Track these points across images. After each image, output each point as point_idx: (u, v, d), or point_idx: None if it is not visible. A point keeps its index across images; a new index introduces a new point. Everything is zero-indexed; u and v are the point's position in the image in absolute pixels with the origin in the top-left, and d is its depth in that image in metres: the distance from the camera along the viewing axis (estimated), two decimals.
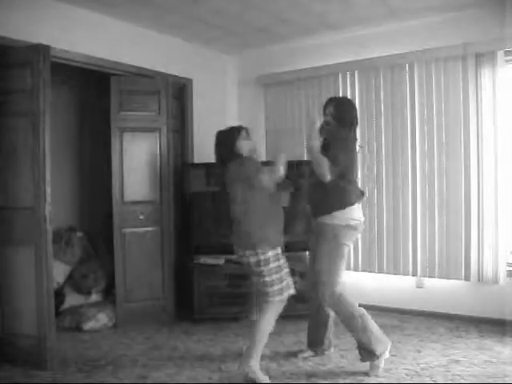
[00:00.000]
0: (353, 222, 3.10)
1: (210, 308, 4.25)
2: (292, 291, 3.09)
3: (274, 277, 3.00)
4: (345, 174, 3.06)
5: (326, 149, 3.05)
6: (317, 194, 3.18)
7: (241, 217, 3.06)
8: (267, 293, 3.01)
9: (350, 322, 3.08)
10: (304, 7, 3.98)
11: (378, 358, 3.06)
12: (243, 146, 3.15)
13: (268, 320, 3.05)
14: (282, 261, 3.06)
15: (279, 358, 3.41)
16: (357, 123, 3.31)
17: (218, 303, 4.25)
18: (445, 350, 3.52)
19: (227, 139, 3.17)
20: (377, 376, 3.04)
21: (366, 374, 3.08)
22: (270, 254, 2.98)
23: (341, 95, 4.37)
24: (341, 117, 3.19)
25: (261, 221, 3.01)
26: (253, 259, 2.99)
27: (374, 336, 3.05)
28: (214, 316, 4.16)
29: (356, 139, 3.34)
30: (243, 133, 3.21)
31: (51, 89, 3.31)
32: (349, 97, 4.61)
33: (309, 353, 3.43)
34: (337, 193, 3.07)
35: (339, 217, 3.07)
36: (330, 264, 3.07)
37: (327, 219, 3.09)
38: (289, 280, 3.10)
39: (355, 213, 3.13)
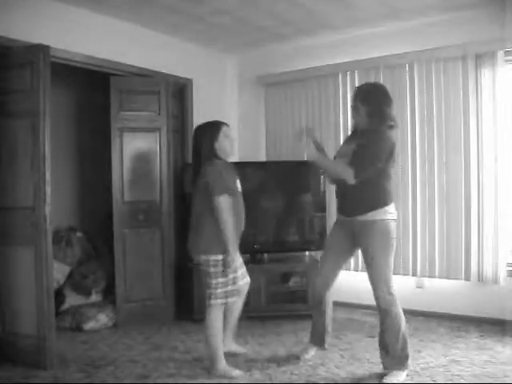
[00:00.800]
0: (396, 216, 3.06)
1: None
2: (236, 298, 3.13)
3: (220, 280, 3.02)
4: (385, 168, 2.99)
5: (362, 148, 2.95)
6: (355, 191, 2.97)
7: (195, 222, 3.11)
8: (210, 295, 3.06)
9: (396, 323, 2.97)
10: (304, 7, 3.98)
11: (405, 367, 2.99)
12: (223, 144, 3.09)
13: (212, 322, 3.08)
14: (233, 265, 3.03)
15: (279, 359, 3.41)
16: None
17: None
18: (445, 350, 3.52)
19: (206, 136, 3.08)
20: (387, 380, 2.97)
21: (382, 378, 2.98)
22: (216, 258, 3.00)
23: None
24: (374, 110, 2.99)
25: (213, 227, 2.98)
26: (202, 262, 3.06)
27: (408, 344, 3.01)
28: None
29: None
30: (224, 130, 3.12)
31: (51, 89, 3.31)
32: (349, 97, 4.61)
33: (312, 350, 3.39)
34: (382, 188, 3.00)
35: (390, 211, 2.99)
36: (387, 260, 2.97)
37: (377, 215, 2.94)
38: (236, 286, 3.09)
39: (394, 208, 3.08)
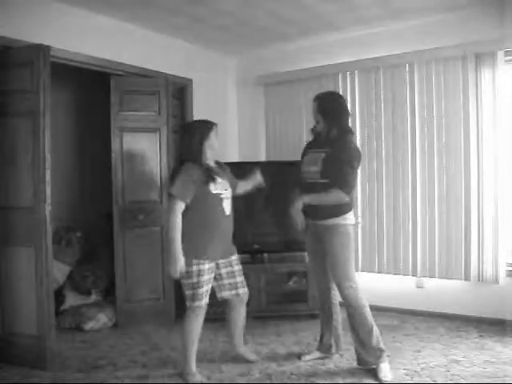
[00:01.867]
0: (354, 222, 3.22)
1: (209, 308, 4.24)
2: (198, 303, 3.04)
3: (189, 281, 3.01)
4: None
5: (330, 162, 3.07)
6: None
7: None
8: (185, 296, 3.08)
9: (365, 317, 3.08)
10: (304, 7, 3.98)
11: (384, 359, 3.07)
12: (211, 145, 3.10)
13: (187, 325, 3.09)
14: (206, 267, 3.01)
15: (279, 358, 3.41)
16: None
17: (217, 303, 4.25)
18: (445, 349, 3.52)
19: (196, 134, 3.06)
20: (386, 377, 3.01)
21: (377, 376, 3.02)
22: (194, 261, 2.99)
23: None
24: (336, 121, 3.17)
25: (189, 232, 2.98)
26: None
27: (380, 337, 3.13)
28: (214, 316, 4.14)
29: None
30: (215, 130, 3.14)
31: (51, 89, 3.31)
32: (349, 97, 4.63)
33: (315, 354, 3.40)
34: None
35: (349, 218, 3.15)
36: (347, 258, 3.12)
37: (339, 220, 3.11)
38: (199, 291, 3.01)
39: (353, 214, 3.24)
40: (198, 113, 4.92)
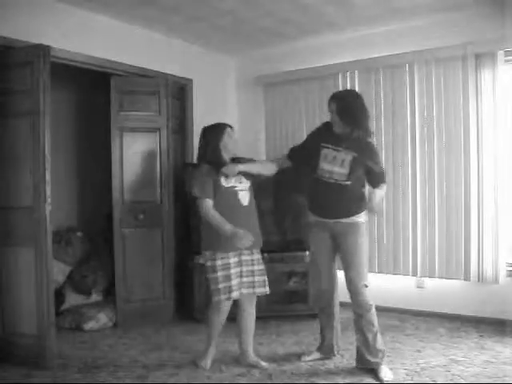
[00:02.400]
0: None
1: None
2: (234, 295, 3.11)
3: (211, 276, 3.12)
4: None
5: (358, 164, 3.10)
6: (343, 196, 3.12)
7: None
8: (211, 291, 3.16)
9: (374, 318, 3.09)
10: (304, 7, 3.98)
11: (383, 361, 3.08)
12: (227, 145, 3.20)
13: (209, 319, 3.28)
14: (219, 262, 3.09)
15: (279, 359, 3.41)
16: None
17: None
18: (445, 349, 3.52)
19: (210, 137, 3.22)
20: (386, 377, 3.01)
21: (377, 377, 3.02)
22: (208, 255, 3.14)
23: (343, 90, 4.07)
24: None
25: (209, 227, 3.09)
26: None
27: (381, 337, 3.14)
28: None
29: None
30: (227, 131, 3.23)
31: (51, 89, 3.31)
32: None
33: (315, 355, 3.38)
34: (362, 196, 3.20)
35: (364, 216, 3.17)
36: (363, 256, 3.14)
37: (359, 218, 3.13)
38: (227, 284, 3.09)
39: None
40: (198, 113, 4.93)
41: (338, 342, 3.41)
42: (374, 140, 3.31)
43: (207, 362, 3.26)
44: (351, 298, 3.14)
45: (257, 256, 3.23)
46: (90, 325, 4.13)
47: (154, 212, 4.35)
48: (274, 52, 5.10)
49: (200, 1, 3.80)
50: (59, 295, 4.33)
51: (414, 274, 4.36)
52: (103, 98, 4.35)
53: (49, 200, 3.25)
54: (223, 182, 3.12)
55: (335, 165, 3.10)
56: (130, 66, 4.29)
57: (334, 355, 3.39)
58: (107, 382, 3.08)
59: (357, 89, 4.60)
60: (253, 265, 3.20)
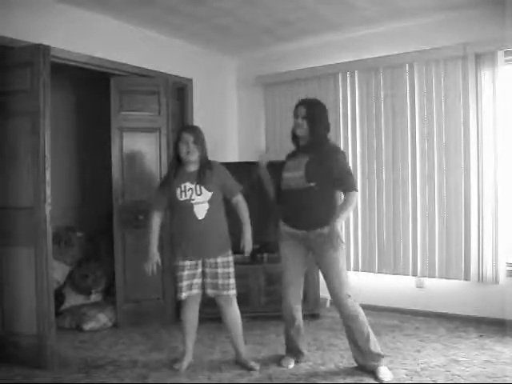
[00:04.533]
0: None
1: (209, 308, 4.24)
2: (183, 296, 3.20)
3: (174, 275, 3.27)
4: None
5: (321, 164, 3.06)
6: (306, 203, 3.05)
7: None
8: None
9: (363, 324, 3.04)
10: (304, 8, 3.98)
11: (382, 362, 3.06)
12: (180, 152, 3.20)
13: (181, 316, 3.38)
14: (187, 264, 3.18)
15: (279, 359, 3.40)
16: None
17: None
18: (445, 350, 3.52)
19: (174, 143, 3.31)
20: (385, 377, 3.00)
21: (376, 377, 3.02)
22: (177, 258, 3.22)
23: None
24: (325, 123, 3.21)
25: (172, 234, 3.29)
26: None
27: (376, 339, 3.10)
28: (214, 316, 4.15)
29: None
30: (181, 137, 3.18)
31: (51, 89, 3.31)
32: (349, 97, 4.66)
33: (292, 361, 3.31)
34: (336, 200, 3.14)
35: (340, 223, 3.04)
36: (343, 265, 3.08)
37: (335, 227, 2.95)
38: (180, 284, 3.18)
39: None
40: (198, 113, 4.93)
41: (304, 345, 3.38)
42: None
43: (181, 364, 3.25)
44: (337, 309, 3.12)
45: (221, 260, 3.17)
46: (89, 325, 4.13)
47: None
48: (274, 52, 5.11)
49: (200, 1, 3.80)
50: (59, 295, 4.33)
51: (414, 273, 4.36)
52: (103, 98, 4.35)
53: (49, 200, 3.25)
54: (178, 195, 3.13)
55: (294, 170, 3.12)
56: (130, 66, 4.29)
57: (304, 356, 3.35)
58: (107, 382, 3.08)
59: (357, 89, 4.63)
60: (216, 267, 3.17)
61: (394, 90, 4.42)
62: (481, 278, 4.06)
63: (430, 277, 4.30)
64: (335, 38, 4.71)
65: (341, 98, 4.71)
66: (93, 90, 4.92)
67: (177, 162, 3.22)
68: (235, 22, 4.28)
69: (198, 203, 3.12)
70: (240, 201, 3.27)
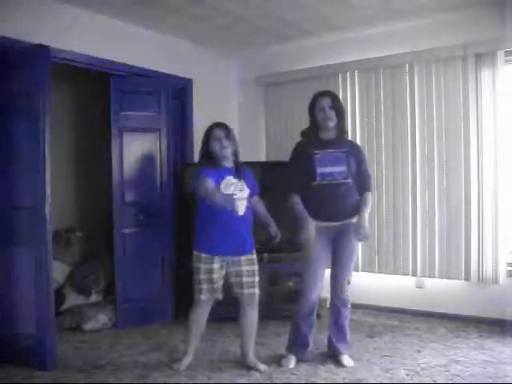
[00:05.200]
0: None
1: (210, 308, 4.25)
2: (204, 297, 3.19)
3: (195, 276, 3.19)
4: None
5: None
6: (344, 198, 3.16)
7: None
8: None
9: (349, 312, 3.30)
10: (304, 7, 3.98)
11: (349, 348, 3.33)
12: (212, 147, 3.16)
13: (190, 315, 3.33)
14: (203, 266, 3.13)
15: (279, 358, 3.40)
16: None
17: (217, 303, 4.24)
18: (445, 350, 3.52)
19: (203, 138, 3.27)
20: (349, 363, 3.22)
21: (340, 363, 3.23)
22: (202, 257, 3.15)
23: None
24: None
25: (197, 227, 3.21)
26: None
27: None
28: (214, 316, 4.15)
29: None
30: (213, 132, 3.17)
31: (51, 89, 3.31)
32: (349, 97, 4.65)
33: (292, 360, 3.30)
34: (357, 197, 3.23)
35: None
36: (355, 257, 3.32)
37: (354, 219, 3.18)
38: (208, 286, 3.16)
39: None
40: (198, 113, 4.93)
41: (312, 338, 3.39)
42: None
43: (181, 364, 3.24)
44: (333, 291, 3.26)
45: (245, 257, 3.16)
46: (89, 325, 4.12)
47: (153, 212, 4.34)
48: (273, 52, 5.10)
49: (200, 1, 3.80)
50: (59, 295, 4.32)
51: (414, 273, 4.36)
52: (103, 98, 4.35)
53: (49, 200, 3.25)
54: (223, 188, 3.07)
55: (333, 165, 3.12)
56: (130, 66, 4.29)
57: (309, 347, 3.36)
58: (107, 382, 3.08)
59: (357, 89, 4.63)
60: (240, 265, 3.15)
61: (394, 90, 4.43)
62: (481, 278, 4.06)
63: (430, 277, 4.30)
64: (335, 38, 4.70)
65: (341, 98, 4.69)
66: (93, 90, 4.92)
67: (205, 162, 3.15)
68: (235, 22, 4.28)
69: (240, 199, 3.09)
70: (259, 200, 3.37)
